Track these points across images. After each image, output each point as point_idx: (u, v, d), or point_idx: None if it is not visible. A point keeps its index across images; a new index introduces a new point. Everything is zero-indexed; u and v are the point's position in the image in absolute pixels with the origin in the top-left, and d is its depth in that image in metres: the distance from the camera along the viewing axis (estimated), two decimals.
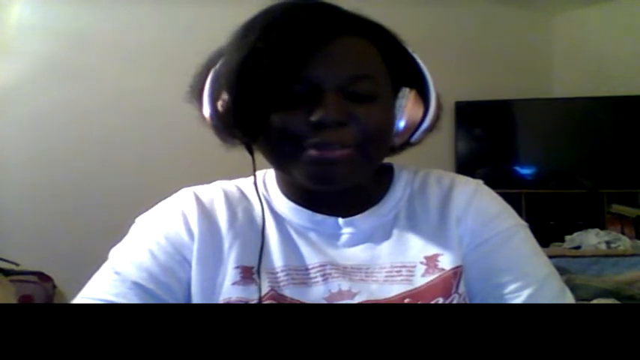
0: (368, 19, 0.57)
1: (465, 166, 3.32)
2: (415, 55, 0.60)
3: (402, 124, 0.57)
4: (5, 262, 1.77)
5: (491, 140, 3.48)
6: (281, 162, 0.56)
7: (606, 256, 1.87)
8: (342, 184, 0.54)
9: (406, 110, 0.57)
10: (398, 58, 0.58)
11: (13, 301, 1.58)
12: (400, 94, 0.58)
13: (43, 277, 1.83)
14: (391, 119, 0.57)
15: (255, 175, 0.61)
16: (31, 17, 2.35)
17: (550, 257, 0.62)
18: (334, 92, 0.52)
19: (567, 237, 2.34)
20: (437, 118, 0.59)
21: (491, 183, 0.65)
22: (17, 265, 1.80)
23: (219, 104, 0.54)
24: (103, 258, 0.58)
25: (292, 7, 0.53)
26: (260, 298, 0.55)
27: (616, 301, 1.58)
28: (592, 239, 2.18)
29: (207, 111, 0.55)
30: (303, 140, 0.52)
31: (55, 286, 1.86)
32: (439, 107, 0.59)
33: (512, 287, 0.57)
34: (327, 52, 0.52)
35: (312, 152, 0.52)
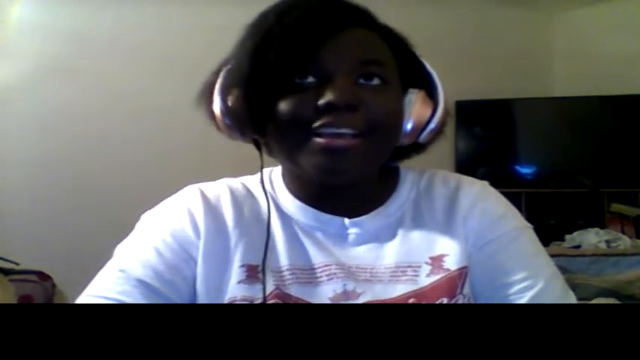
0: (379, 19, 0.59)
1: (465, 165, 3.32)
2: (423, 60, 0.60)
3: (409, 124, 0.58)
4: (5, 262, 1.76)
5: (491, 139, 3.48)
6: (290, 152, 0.55)
7: (606, 255, 1.88)
8: (350, 176, 0.54)
9: (414, 108, 0.57)
10: (406, 58, 0.59)
11: (13, 300, 1.58)
12: (410, 92, 0.58)
13: (42, 276, 1.83)
14: (400, 109, 0.57)
15: (262, 172, 0.61)
16: (31, 17, 2.35)
17: (550, 256, 0.62)
18: (344, 76, 0.52)
19: (567, 236, 2.35)
20: (444, 121, 0.60)
21: (491, 182, 0.65)
22: (17, 264, 1.80)
23: (230, 99, 0.55)
24: (103, 257, 0.58)
25: None
26: (265, 297, 0.55)
27: (616, 301, 1.58)
28: (592, 238, 2.19)
29: (217, 107, 0.56)
30: (312, 125, 0.52)
31: (54, 285, 1.86)
32: (446, 111, 0.60)
33: (516, 288, 0.57)
34: (338, 39, 0.53)
35: (321, 140, 0.52)
